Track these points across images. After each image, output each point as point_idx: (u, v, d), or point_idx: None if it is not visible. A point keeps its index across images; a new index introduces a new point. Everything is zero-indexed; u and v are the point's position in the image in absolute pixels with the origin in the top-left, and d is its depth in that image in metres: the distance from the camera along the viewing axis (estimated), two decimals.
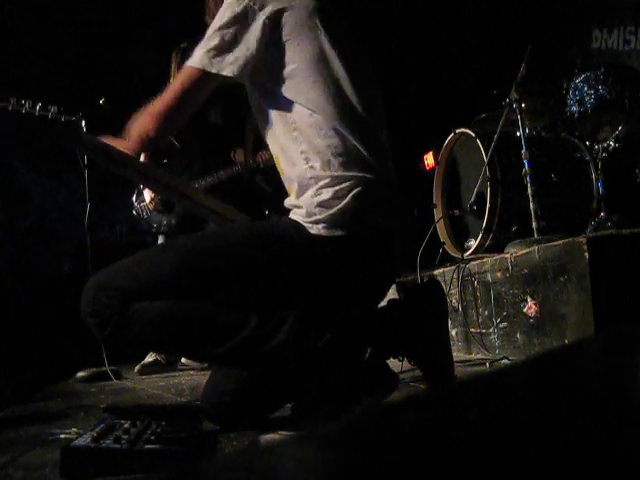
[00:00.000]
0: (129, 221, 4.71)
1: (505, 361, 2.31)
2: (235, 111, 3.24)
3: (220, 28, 1.32)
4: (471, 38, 4.39)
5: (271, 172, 1.46)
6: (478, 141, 3.12)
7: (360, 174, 1.31)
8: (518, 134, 2.93)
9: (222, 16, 1.34)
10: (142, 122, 1.37)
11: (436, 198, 3.57)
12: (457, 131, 3.39)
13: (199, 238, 1.40)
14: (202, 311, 1.26)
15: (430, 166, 4.24)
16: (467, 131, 3.28)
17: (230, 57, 1.31)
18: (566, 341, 2.07)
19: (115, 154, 1.38)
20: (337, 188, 1.29)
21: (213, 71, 1.31)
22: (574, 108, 2.99)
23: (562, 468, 0.30)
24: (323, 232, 1.28)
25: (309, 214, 1.29)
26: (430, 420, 0.40)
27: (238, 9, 1.32)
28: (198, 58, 1.33)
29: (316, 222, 1.28)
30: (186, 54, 3.32)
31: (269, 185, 3.09)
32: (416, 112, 4.35)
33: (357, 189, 1.30)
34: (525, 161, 2.80)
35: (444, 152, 3.54)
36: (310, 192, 1.31)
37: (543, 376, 0.50)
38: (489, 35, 4.31)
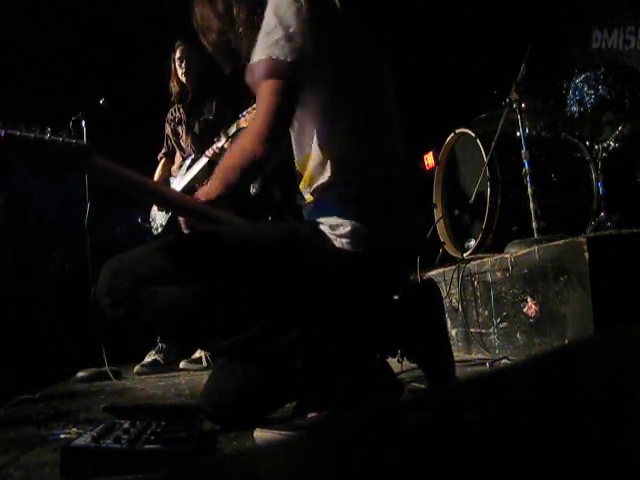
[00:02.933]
0: (129, 221, 4.72)
1: (505, 361, 2.31)
2: (229, 105, 3.25)
3: (278, 24, 1.28)
4: (471, 38, 4.39)
5: (283, 179, 1.45)
6: (478, 141, 3.12)
7: (383, 188, 1.34)
8: (518, 134, 2.93)
9: (275, 14, 1.30)
10: (243, 147, 1.30)
11: (436, 198, 3.57)
12: (457, 131, 3.39)
13: (222, 233, 1.38)
14: (213, 302, 1.27)
15: (430, 166, 4.24)
16: (467, 131, 3.28)
17: (293, 45, 1.28)
18: (566, 341, 2.07)
19: (129, 177, 1.34)
20: (362, 203, 1.31)
21: (283, 58, 1.26)
22: (574, 108, 2.98)
23: (562, 468, 0.30)
24: (347, 247, 1.29)
25: (332, 227, 1.30)
26: (430, 420, 0.40)
27: (289, 8, 1.29)
28: (263, 52, 1.28)
29: (340, 236, 1.29)
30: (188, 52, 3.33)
31: (278, 193, 3.09)
32: (416, 112, 4.35)
33: (379, 206, 1.32)
34: (525, 161, 2.80)
35: (444, 152, 3.54)
36: (332, 204, 1.32)
37: (543, 376, 0.50)
38: (489, 35, 4.31)
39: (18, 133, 1.18)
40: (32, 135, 1.20)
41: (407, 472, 0.31)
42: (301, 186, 1.43)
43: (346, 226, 1.29)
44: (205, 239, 1.34)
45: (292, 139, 1.45)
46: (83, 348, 3.25)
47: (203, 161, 3.15)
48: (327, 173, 1.34)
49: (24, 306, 3.88)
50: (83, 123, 3.25)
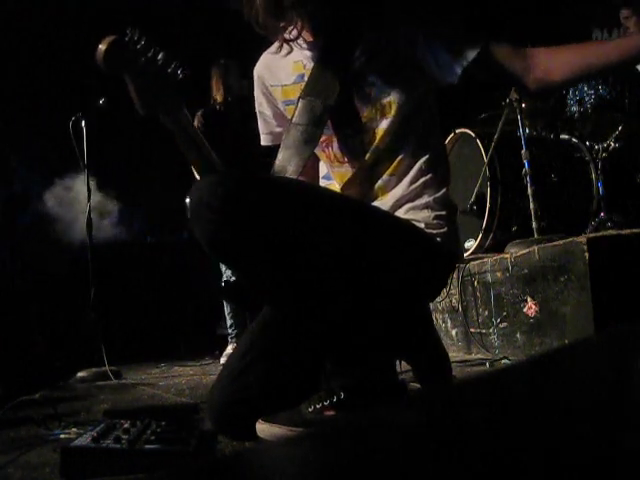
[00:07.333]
0: (130, 221, 4.71)
1: (505, 361, 2.31)
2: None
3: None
4: None
5: None
6: (478, 141, 3.12)
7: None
8: (518, 134, 2.93)
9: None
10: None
11: None
12: (457, 131, 3.39)
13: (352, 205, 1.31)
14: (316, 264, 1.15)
15: None
16: (467, 131, 3.28)
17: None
18: (566, 341, 2.07)
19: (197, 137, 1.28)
20: (452, 207, 1.36)
21: None
22: (574, 108, 2.99)
23: (561, 469, 0.30)
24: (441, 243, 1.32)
25: (428, 225, 1.31)
26: (430, 420, 0.40)
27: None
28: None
29: (436, 235, 1.31)
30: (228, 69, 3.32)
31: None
32: None
33: (454, 209, 1.38)
34: (525, 161, 2.80)
35: None
36: (429, 204, 1.32)
37: (543, 376, 0.50)
38: (489, 35, 4.30)
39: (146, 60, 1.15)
40: (158, 63, 1.17)
41: (406, 472, 0.31)
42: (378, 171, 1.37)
43: (442, 227, 1.31)
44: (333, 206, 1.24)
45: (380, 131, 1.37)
46: (83, 348, 3.25)
47: None
48: (425, 175, 1.34)
49: (24, 306, 3.88)
50: (83, 123, 3.25)
